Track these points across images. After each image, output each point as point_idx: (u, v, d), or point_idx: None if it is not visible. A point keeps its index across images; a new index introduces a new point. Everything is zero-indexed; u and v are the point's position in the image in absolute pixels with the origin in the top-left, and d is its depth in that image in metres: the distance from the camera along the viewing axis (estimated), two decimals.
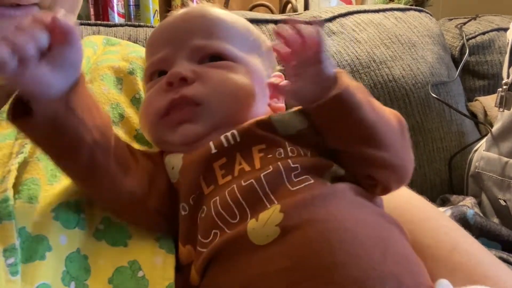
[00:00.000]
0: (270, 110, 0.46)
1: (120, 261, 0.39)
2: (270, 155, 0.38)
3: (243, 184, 0.37)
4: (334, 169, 0.39)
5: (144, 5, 1.17)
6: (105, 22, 0.98)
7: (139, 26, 0.93)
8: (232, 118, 0.41)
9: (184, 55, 0.43)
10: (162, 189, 0.41)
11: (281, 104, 0.48)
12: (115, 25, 0.91)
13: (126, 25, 0.92)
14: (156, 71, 0.45)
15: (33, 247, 0.36)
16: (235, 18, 0.47)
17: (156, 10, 1.19)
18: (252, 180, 0.37)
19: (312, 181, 0.37)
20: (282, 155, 0.38)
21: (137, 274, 0.38)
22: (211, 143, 0.39)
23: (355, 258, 0.32)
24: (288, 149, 0.39)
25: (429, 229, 0.45)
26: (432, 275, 0.36)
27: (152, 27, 0.94)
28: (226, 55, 0.43)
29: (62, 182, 0.41)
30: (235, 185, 0.37)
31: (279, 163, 0.37)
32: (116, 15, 1.13)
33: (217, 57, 0.43)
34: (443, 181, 1.02)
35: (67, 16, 0.46)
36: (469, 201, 0.86)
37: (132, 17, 1.17)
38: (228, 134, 0.39)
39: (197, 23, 0.44)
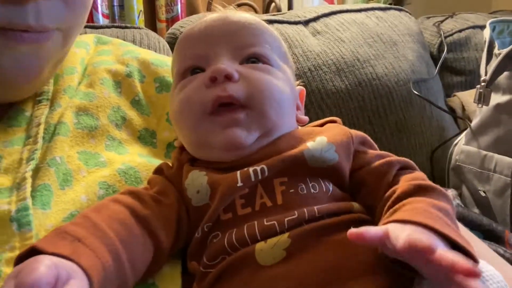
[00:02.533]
0: (295, 122, 0.46)
1: None
2: (292, 190, 0.38)
3: (265, 223, 0.36)
4: (354, 209, 0.39)
5: (128, 6, 1.16)
6: (91, 24, 0.97)
7: (126, 27, 0.93)
8: (276, 128, 0.41)
9: (225, 54, 0.41)
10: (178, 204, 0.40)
11: (305, 117, 0.48)
12: (102, 27, 0.91)
13: (113, 26, 0.92)
14: (191, 68, 0.43)
15: None
16: (270, 27, 0.47)
17: (141, 11, 1.18)
18: (275, 222, 0.36)
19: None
20: (305, 191, 0.38)
21: (148, 281, 0.39)
22: (238, 174, 0.38)
23: None
24: (310, 185, 0.38)
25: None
26: None
27: (139, 28, 0.95)
28: (268, 58, 0.43)
29: (74, 187, 0.42)
30: (256, 222, 0.36)
31: (305, 209, 0.36)
32: (100, 15, 1.12)
33: (257, 59, 0.42)
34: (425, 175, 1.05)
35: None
36: (450, 193, 0.90)
37: (117, 17, 1.17)
38: (258, 168, 0.38)
39: (238, 27, 0.43)
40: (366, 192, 0.40)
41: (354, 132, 0.43)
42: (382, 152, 0.42)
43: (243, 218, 0.38)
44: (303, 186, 0.38)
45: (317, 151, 0.39)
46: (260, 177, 0.38)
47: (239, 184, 0.38)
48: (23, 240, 0.36)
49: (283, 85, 0.42)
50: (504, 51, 0.79)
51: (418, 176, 0.39)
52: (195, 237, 0.39)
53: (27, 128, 0.45)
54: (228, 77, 0.39)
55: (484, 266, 0.34)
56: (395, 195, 0.36)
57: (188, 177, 0.41)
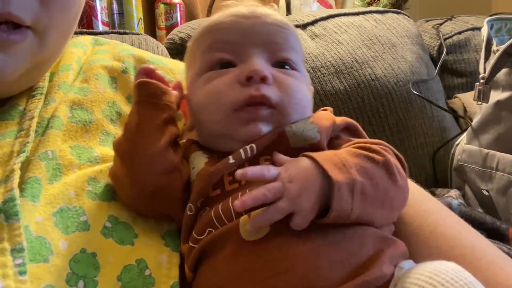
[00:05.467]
0: None
1: (128, 259, 0.39)
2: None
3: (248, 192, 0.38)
4: None
5: (128, 14, 1.17)
6: (90, 30, 0.98)
7: (125, 33, 0.94)
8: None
9: (259, 54, 0.43)
10: (185, 178, 0.42)
11: None
12: (100, 33, 0.92)
13: (112, 32, 0.93)
14: (221, 61, 0.44)
15: (36, 248, 0.37)
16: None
17: (140, 18, 1.20)
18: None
19: None
20: None
21: (144, 273, 0.39)
22: (230, 156, 0.40)
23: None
24: None
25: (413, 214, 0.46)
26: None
27: (138, 34, 0.96)
28: (296, 64, 0.45)
29: (62, 181, 0.42)
30: (240, 193, 0.38)
31: None
32: (100, 23, 1.13)
33: (287, 64, 0.44)
34: (427, 176, 1.05)
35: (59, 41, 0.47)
36: (453, 193, 0.89)
37: (116, 25, 1.18)
38: (247, 147, 0.40)
39: (273, 30, 0.44)
40: None
41: (339, 119, 0.44)
42: (361, 139, 0.42)
43: (230, 193, 0.39)
44: None
45: (299, 128, 0.41)
46: (249, 154, 0.40)
47: (231, 161, 0.40)
48: (11, 230, 0.36)
49: (306, 90, 0.44)
50: (502, 47, 0.79)
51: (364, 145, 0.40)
52: (188, 216, 0.40)
53: (19, 122, 0.46)
54: (264, 80, 0.41)
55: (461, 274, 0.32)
56: None
57: (191, 156, 0.44)
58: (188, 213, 0.40)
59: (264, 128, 0.41)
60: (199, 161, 0.42)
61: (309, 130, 0.41)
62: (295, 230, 0.35)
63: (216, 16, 0.46)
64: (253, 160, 0.40)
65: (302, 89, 0.43)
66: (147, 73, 0.45)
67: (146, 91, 0.44)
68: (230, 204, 0.38)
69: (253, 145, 0.40)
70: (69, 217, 0.40)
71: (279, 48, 0.44)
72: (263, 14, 0.45)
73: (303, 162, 0.37)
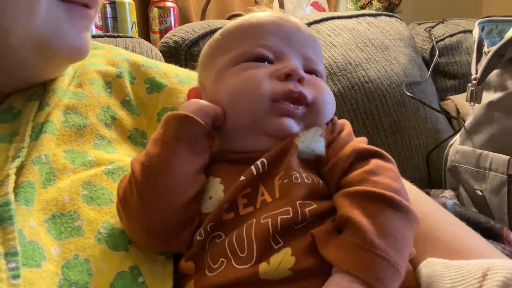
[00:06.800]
0: None
1: (121, 266, 0.39)
2: (286, 180, 0.39)
3: (261, 222, 0.37)
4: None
5: (121, 17, 1.17)
6: None
7: (118, 36, 0.94)
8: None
9: (297, 57, 0.45)
10: (197, 221, 0.41)
11: None
12: (94, 36, 0.92)
13: (105, 36, 0.93)
14: (260, 56, 0.45)
15: (29, 253, 0.36)
16: None
17: (134, 22, 1.19)
18: (269, 220, 0.37)
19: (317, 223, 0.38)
20: (299, 180, 0.39)
21: (138, 280, 0.39)
22: (242, 177, 0.40)
23: None
24: (304, 175, 0.39)
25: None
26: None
27: (132, 37, 0.96)
28: (322, 75, 0.48)
29: (56, 185, 0.42)
30: (254, 220, 0.37)
31: (298, 207, 0.37)
32: (93, 27, 1.13)
33: (316, 74, 0.47)
34: (422, 177, 1.05)
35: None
36: (448, 193, 0.89)
37: (110, 29, 1.17)
38: (258, 163, 0.40)
39: (310, 41, 0.48)
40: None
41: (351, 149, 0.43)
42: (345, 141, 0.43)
43: (244, 218, 0.38)
44: (297, 175, 0.39)
45: (308, 139, 0.41)
46: (261, 170, 0.40)
47: (242, 178, 0.39)
48: (5, 234, 0.36)
49: (332, 97, 0.46)
50: (493, 48, 0.80)
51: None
52: (198, 240, 0.39)
53: (14, 125, 0.45)
54: (300, 79, 0.43)
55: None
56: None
57: (208, 183, 0.42)
58: (198, 238, 0.39)
59: (295, 127, 0.42)
60: (217, 189, 0.41)
61: (317, 142, 0.42)
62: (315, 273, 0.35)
63: (255, 15, 0.48)
64: (268, 181, 0.39)
65: (330, 93, 0.46)
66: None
67: (189, 130, 0.40)
68: (244, 234, 0.37)
69: (264, 159, 0.40)
70: (62, 223, 0.40)
71: (312, 60, 0.47)
72: (299, 23, 0.48)
73: (343, 281, 0.33)
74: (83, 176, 0.43)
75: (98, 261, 0.39)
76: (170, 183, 0.39)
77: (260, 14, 0.47)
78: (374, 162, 0.39)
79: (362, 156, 0.40)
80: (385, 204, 0.35)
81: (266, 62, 0.45)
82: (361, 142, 0.42)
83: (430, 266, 0.39)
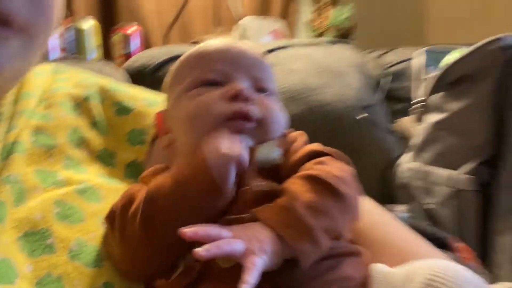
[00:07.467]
0: None
1: (95, 283, 0.39)
2: (248, 187, 0.42)
3: None
4: None
5: (85, 40, 1.18)
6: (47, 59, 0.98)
7: (84, 59, 0.95)
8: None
9: (244, 79, 0.48)
10: None
11: None
12: (60, 59, 0.92)
13: (73, 58, 0.94)
14: (210, 81, 0.48)
15: (2, 270, 0.36)
16: None
17: (98, 46, 1.21)
18: None
19: None
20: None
21: None
22: None
23: None
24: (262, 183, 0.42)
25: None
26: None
27: (98, 60, 0.97)
28: (272, 92, 0.50)
29: (27, 204, 0.42)
30: None
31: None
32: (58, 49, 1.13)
33: (266, 91, 0.49)
34: (376, 195, 1.11)
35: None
36: (400, 208, 0.96)
37: (74, 52, 1.18)
38: None
39: (256, 62, 0.50)
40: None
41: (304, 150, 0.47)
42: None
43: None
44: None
45: (263, 152, 0.44)
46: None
47: None
48: None
49: (282, 112, 0.49)
50: (435, 74, 0.88)
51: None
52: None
53: None
54: (248, 99, 0.45)
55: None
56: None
57: None
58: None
59: (248, 141, 0.44)
60: None
61: (273, 153, 0.45)
62: None
63: (205, 44, 0.51)
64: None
65: (279, 110, 0.48)
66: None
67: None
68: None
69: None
70: (34, 241, 0.40)
71: (261, 79, 0.49)
72: (245, 47, 0.51)
73: (263, 231, 0.38)
74: (54, 195, 0.43)
75: (71, 278, 0.39)
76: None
77: (208, 43, 0.51)
78: (325, 158, 0.44)
79: (317, 156, 0.44)
80: (322, 185, 0.40)
81: (217, 86, 0.47)
82: (317, 146, 0.46)
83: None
